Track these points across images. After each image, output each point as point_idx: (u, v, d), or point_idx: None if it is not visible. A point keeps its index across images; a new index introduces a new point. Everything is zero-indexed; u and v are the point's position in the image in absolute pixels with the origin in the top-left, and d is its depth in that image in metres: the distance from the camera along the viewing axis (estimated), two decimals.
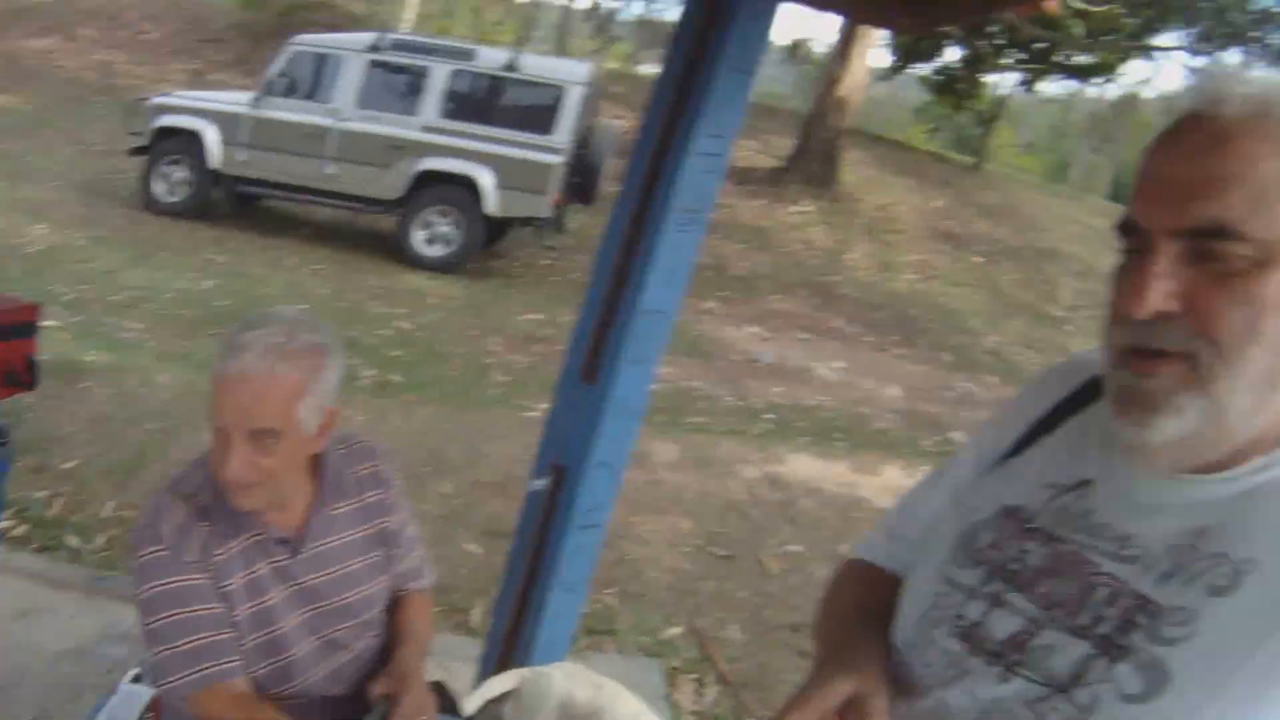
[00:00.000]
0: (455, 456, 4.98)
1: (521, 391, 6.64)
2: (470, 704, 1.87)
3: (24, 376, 2.14)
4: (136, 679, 1.94)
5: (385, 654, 1.77)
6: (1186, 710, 0.79)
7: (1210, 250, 0.79)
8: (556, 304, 9.45)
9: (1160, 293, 0.80)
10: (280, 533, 1.63)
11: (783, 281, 12.40)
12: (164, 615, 1.53)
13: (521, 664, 2.39)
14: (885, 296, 12.86)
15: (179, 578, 1.54)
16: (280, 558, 1.63)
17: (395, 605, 1.82)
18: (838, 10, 2.84)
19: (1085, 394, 1.01)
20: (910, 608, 1.02)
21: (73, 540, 3.80)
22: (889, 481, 6.10)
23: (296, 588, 1.64)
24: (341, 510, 1.70)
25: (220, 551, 1.57)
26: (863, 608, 1.08)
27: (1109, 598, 0.86)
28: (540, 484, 2.41)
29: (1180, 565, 0.83)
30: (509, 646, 2.48)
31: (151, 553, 1.55)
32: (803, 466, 6.02)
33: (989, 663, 0.91)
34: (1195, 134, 0.80)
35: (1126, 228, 0.85)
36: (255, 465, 1.49)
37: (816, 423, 7.29)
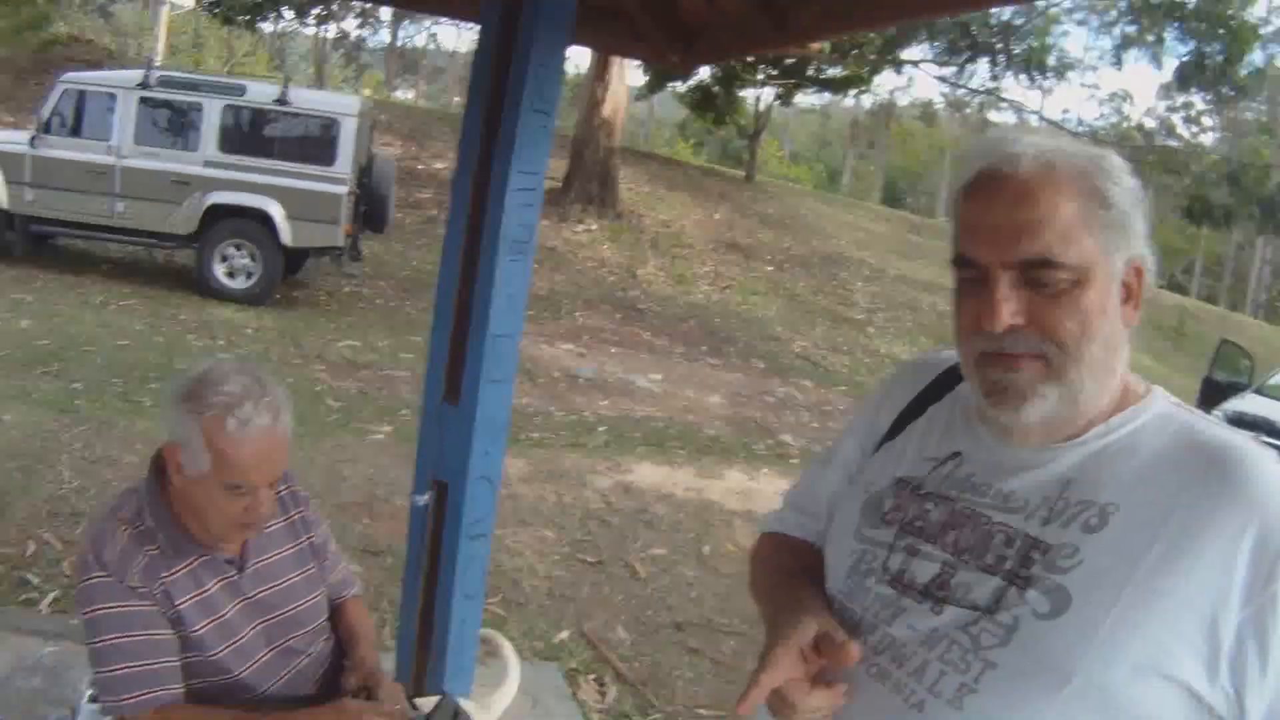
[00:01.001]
0: (315, 481, 5.01)
1: (358, 416, 6.70)
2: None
3: None
4: (94, 699, 1.98)
5: (337, 655, 1.91)
6: (1090, 620, 0.98)
7: (1038, 277, 1.03)
8: (368, 330, 9.54)
9: (1009, 311, 1.03)
10: (226, 555, 1.76)
11: (584, 299, 12.68)
12: (107, 638, 1.62)
13: (437, 673, 2.54)
14: (686, 309, 13.31)
15: (121, 603, 1.63)
16: (229, 575, 1.75)
17: (336, 612, 1.97)
18: (619, 53, 3.11)
19: (942, 384, 1.27)
20: (836, 564, 1.22)
21: None
22: (734, 484, 6.44)
23: (247, 601, 1.77)
24: (273, 529, 1.84)
25: (166, 574, 1.67)
26: (794, 567, 1.29)
27: (1006, 540, 1.07)
28: (423, 499, 2.55)
29: (1056, 511, 1.06)
30: (422, 655, 2.61)
31: (95, 578, 1.63)
32: (649, 474, 6.30)
33: (919, 600, 1.10)
34: (1003, 188, 1.04)
35: (962, 262, 1.09)
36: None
37: (650, 433, 7.58)
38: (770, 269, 16.18)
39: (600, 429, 7.46)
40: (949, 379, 1.26)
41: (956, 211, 1.11)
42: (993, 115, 32.27)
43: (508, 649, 2.12)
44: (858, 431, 1.33)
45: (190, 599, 1.69)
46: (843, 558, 1.21)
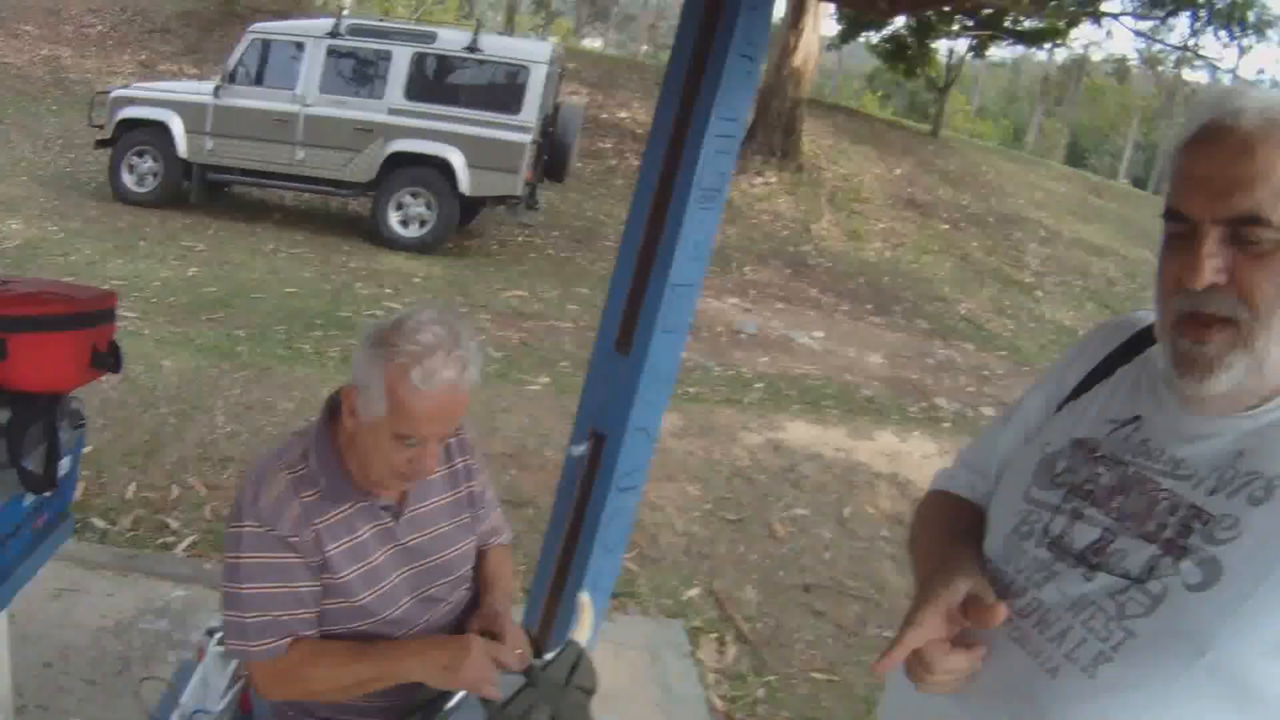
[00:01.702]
0: (470, 429, 5.06)
1: (519, 367, 6.74)
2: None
3: (110, 359, 2.25)
4: (221, 641, 2.05)
5: (475, 603, 1.92)
6: (1239, 595, 0.97)
7: (1245, 234, 1.00)
8: (537, 280, 9.54)
9: (1212, 268, 1.01)
10: (384, 500, 1.76)
11: (755, 253, 12.53)
12: (246, 586, 1.64)
13: (565, 624, 2.53)
14: (856, 266, 13.02)
15: (268, 554, 1.64)
16: (385, 521, 1.76)
17: (479, 558, 1.97)
18: None
19: (1132, 346, 1.25)
20: (998, 525, 1.23)
21: (99, 523, 3.88)
22: (883, 446, 6.27)
23: (399, 548, 1.77)
24: (435, 476, 1.83)
25: (320, 520, 1.68)
26: (954, 528, 1.30)
27: (1169, 508, 1.06)
28: (580, 450, 2.53)
29: (1224, 481, 1.04)
30: (552, 605, 2.63)
31: (246, 526, 1.65)
32: (801, 433, 6.18)
33: (1074, 565, 1.11)
34: (1222, 142, 1.02)
35: (1172, 215, 1.06)
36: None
37: (806, 391, 7.45)
38: (945, 227, 15.68)
39: (757, 385, 7.38)
40: (1140, 341, 1.25)
41: (1176, 165, 1.09)
42: (1187, 74, 30.34)
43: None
44: (1045, 390, 1.33)
45: (341, 545, 1.70)
46: (1007, 518, 1.22)
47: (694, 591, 4.07)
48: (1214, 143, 1.03)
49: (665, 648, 3.61)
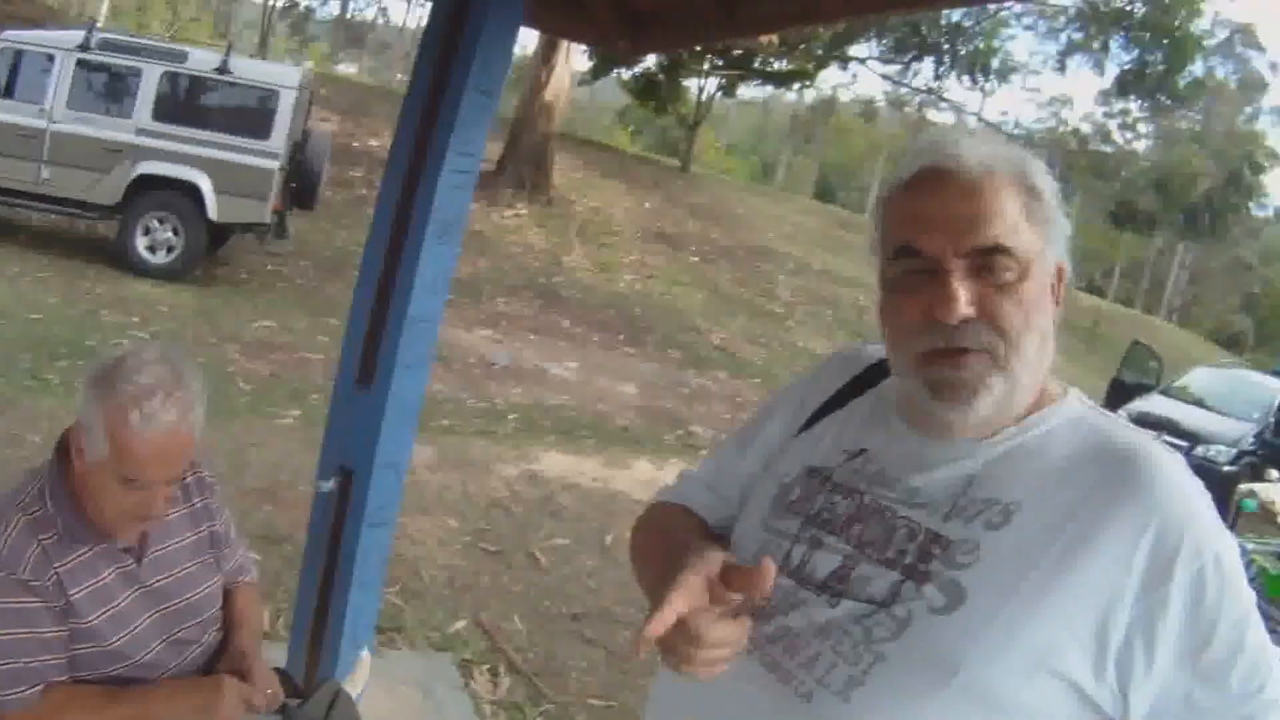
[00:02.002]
0: (220, 466, 4.85)
1: (269, 400, 6.52)
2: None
3: None
4: None
5: (225, 644, 1.87)
6: (985, 616, 0.99)
7: (990, 264, 1.03)
8: (287, 311, 9.28)
9: (965, 301, 1.02)
10: (124, 542, 1.70)
11: (506, 285, 12.58)
12: None
13: (329, 664, 2.48)
14: (608, 297, 13.28)
15: (9, 599, 1.56)
16: (126, 564, 1.70)
17: (226, 597, 1.92)
18: (569, 36, 3.06)
19: (866, 379, 1.27)
20: (741, 554, 1.18)
21: None
22: (640, 474, 6.45)
23: (144, 590, 1.71)
24: (174, 516, 1.79)
25: (61, 563, 1.60)
26: (690, 529, 1.28)
27: (909, 535, 1.08)
28: (328, 485, 2.47)
29: (959, 508, 1.06)
30: (314, 646, 2.55)
31: None
32: (557, 463, 6.26)
33: (818, 593, 1.10)
34: (949, 183, 1.05)
35: (907, 252, 1.07)
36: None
37: (561, 421, 7.53)
38: (695, 260, 16.26)
39: (511, 417, 7.41)
40: (873, 374, 1.26)
41: (892, 206, 1.11)
42: (932, 114, 32.97)
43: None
44: (779, 419, 1.32)
45: (85, 588, 1.63)
46: (748, 546, 1.19)
47: (461, 624, 4.02)
48: (939, 184, 1.06)
49: (437, 682, 3.55)
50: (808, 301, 15.74)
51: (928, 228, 1.05)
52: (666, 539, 1.26)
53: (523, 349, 9.88)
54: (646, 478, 6.43)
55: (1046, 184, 1.09)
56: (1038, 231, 1.06)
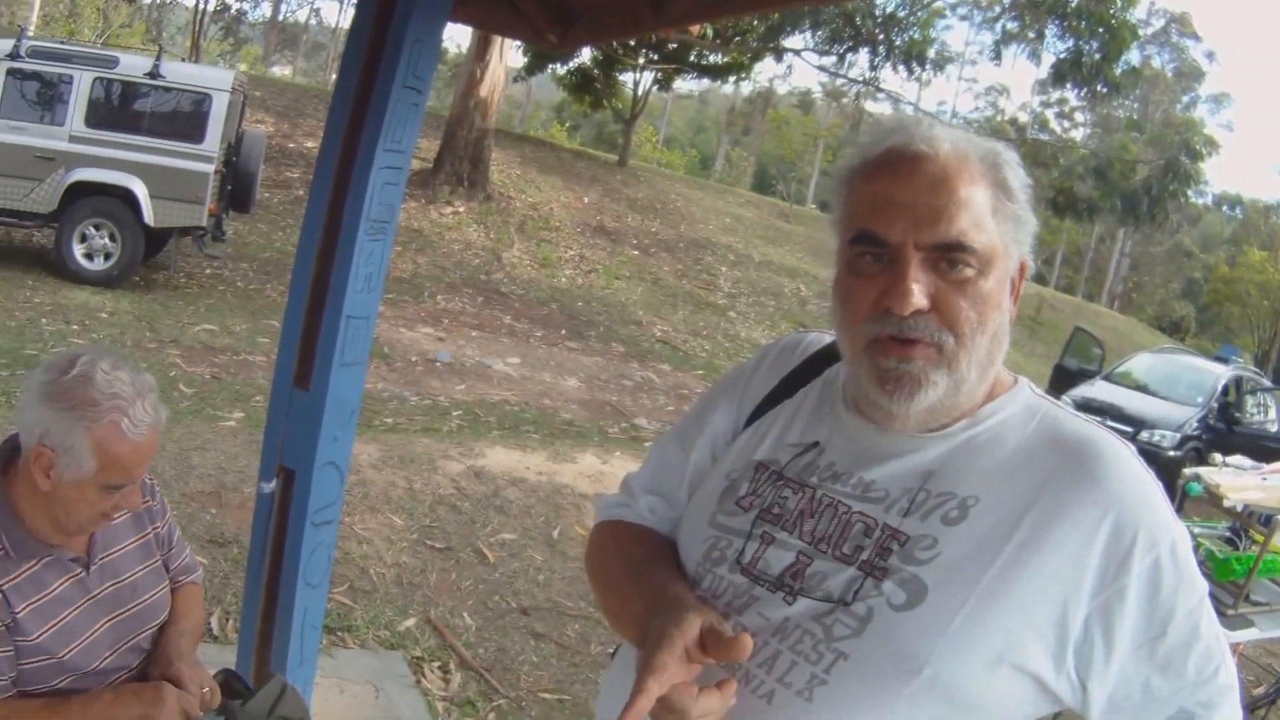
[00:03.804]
0: (164, 470, 4.79)
1: (212, 403, 6.44)
2: None
3: None
4: None
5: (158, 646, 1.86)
6: (944, 612, 0.98)
7: (949, 260, 1.01)
8: (227, 314, 9.22)
9: (919, 294, 1.00)
10: (71, 552, 1.69)
11: (447, 282, 12.53)
12: None
13: (278, 664, 2.46)
14: (549, 292, 13.28)
15: None
16: (75, 573, 1.69)
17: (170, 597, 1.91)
18: (497, 31, 3.05)
19: (811, 368, 1.24)
20: (689, 551, 1.18)
21: None
22: (586, 468, 6.45)
23: (94, 599, 1.70)
24: (119, 521, 1.78)
25: (5, 580, 1.59)
26: (648, 558, 1.21)
27: (865, 530, 1.06)
28: (270, 486, 2.45)
29: (916, 503, 1.05)
30: (263, 647, 2.52)
31: None
32: (502, 459, 6.24)
33: (772, 590, 1.08)
34: (918, 169, 1.02)
35: (865, 238, 1.04)
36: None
37: (505, 417, 7.52)
38: (636, 253, 16.29)
39: (455, 413, 7.38)
40: (819, 362, 1.24)
41: (855, 184, 1.07)
42: (870, 105, 33.24)
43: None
44: (722, 410, 1.28)
45: (32, 603, 1.62)
46: (696, 545, 1.17)
47: (410, 622, 4.01)
48: (908, 169, 1.03)
49: (388, 680, 3.54)
50: (749, 293, 15.85)
51: (891, 216, 1.02)
52: (630, 572, 1.21)
53: (465, 346, 9.84)
54: (592, 471, 6.45)
55: (1018, 179, 1.07)
56: (1004, 228, 1.05)
